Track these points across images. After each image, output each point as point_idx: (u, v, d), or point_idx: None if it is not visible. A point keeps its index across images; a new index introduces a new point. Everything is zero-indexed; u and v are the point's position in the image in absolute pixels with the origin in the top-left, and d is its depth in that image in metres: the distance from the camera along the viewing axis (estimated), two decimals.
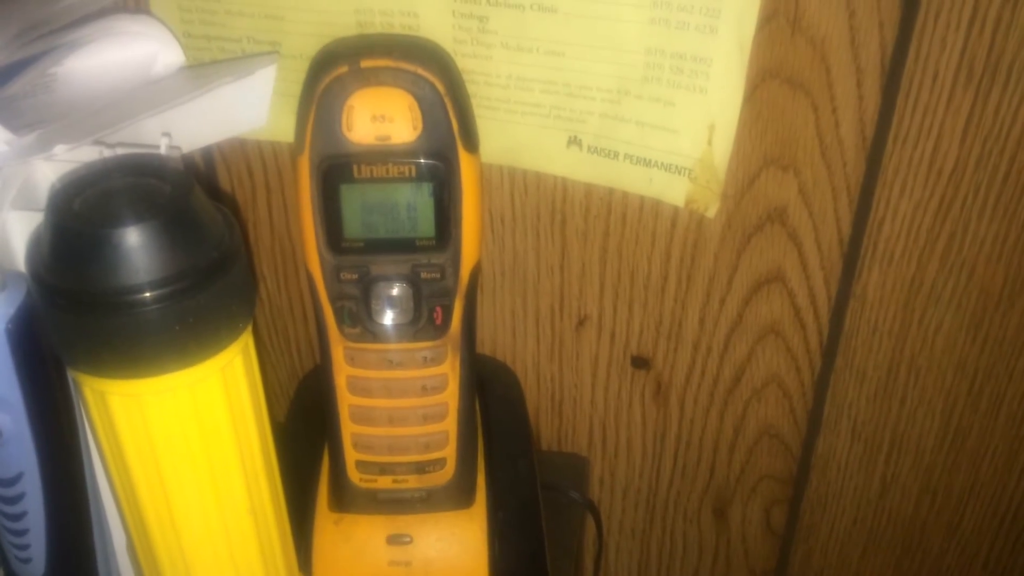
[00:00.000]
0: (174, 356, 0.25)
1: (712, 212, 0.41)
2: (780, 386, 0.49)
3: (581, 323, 0.49)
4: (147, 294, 0.24)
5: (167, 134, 0.32)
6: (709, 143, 0.38)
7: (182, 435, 0.26)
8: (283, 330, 0.51)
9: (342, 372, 0.39)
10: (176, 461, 0.27)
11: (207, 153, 0.45)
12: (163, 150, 0.33)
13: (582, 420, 0.52)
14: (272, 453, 0.30)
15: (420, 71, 0.34)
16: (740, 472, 0.53)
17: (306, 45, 0.40)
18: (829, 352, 0.47)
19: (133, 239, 0.24)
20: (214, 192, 0.47)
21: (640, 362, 0.49)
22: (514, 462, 0.44)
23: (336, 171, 0.35)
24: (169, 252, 0.24)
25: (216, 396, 0.26)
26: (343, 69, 0.34)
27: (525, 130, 0.41)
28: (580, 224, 0.45)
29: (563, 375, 0.51)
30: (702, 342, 0.48)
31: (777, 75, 0.39)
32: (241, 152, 0.45)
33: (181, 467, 0.27)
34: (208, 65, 0.38)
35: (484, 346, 0.50)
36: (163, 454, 0.26)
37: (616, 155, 0.40)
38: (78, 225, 0.24)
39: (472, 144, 0.36)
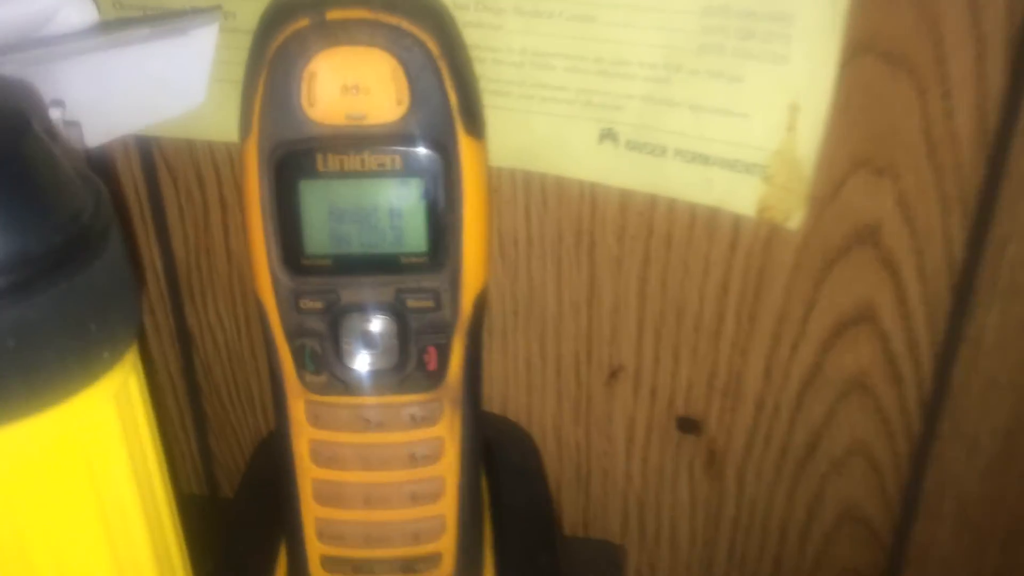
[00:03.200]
0: None
1: (795, 222, 0.32)
2: (867, 456, 0.39)
3: (614, 375, 0.39)
4: None
5: (59, 103, 0.23)
6: (791, 129, 0.29)
7: (17, 524, 0.17)
8: (244, 384, 0.42)
9: (303, 435, 0.30)
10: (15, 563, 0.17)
11: (146, 158, 0.37)
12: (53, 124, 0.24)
13: (615, 498, 0.43)
14: (174, 550, 0.20)
15: (406, 25, 0.26)
16: (814, 565, 0.43)
17: None
18: (932, 413, 0.38)
19: None
20: (158, 211, 0.38)
21: (688, 425, 0.40)
22: (533, 557, 0.34)
23: (293, 162, 0.27)
24: None
25: (70, 469, 0.17)
26: (303, 22, 0.26)
27: (545, 122, 0.32)
28: (613, 248, 0.36)
29: (591, 441, 0.42)
30: (768, 400, 0.39)
31: (871, 48, 0.31)
32: (189, 157, 0.37)
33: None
34: (129, 22, 0.30)
35: (493, 403, 0.41)
36: None
37: (663, 151, 0.31)
38: None
39: (476, 126, 0.28)
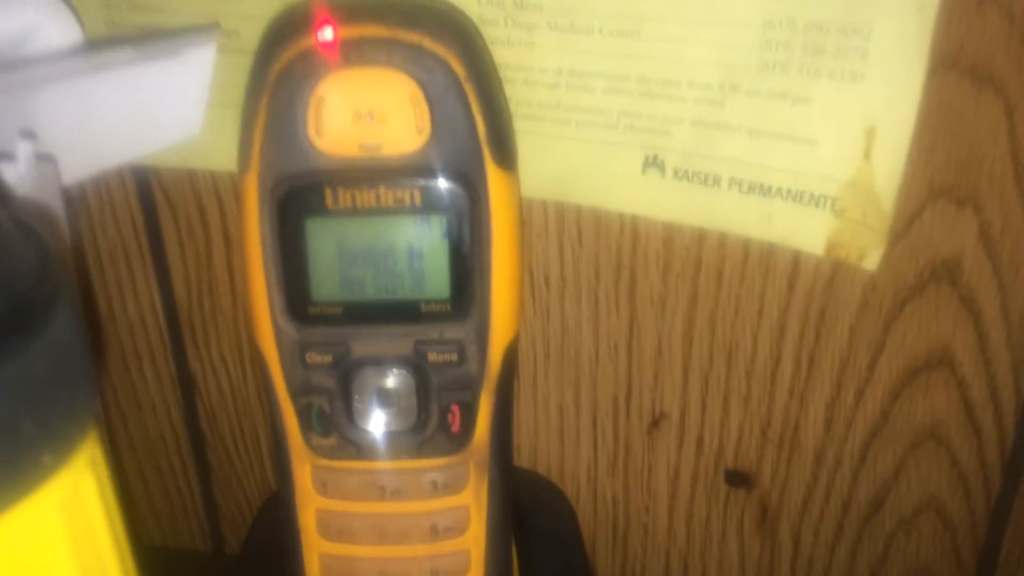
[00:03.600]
0: None
1: (871, 262, 0.28)
2: (940, 514, 0.35)
3: (656, 424, 0.36)
4: None
5: (30, 135, 0.20)
6: (867, 156, 0.25)
7: None
8: (251, 432, 0.39)
9: (310, 504, 0.26)
10: None
11: (143, 189, 0.34)
12: (22, 160, 0.21)
13: (655, 557, 0.39)
14: None
15: (427, 44, 0.23)
16: None
17: None
18: (1014, 468, 0.34)
19: None
20: (156, 246, 0.35)
21: (738, 478, 0.36)
22: None
23: (299, 198, 0.24)
24: None
25: None
26: (311, 40, 0.23)
27: (582, 149, 0.29)
28: (657, 286, 0.33)
29: (630, 495, 0.38)
30: (828, 452, 0.35)
31: (954, 64, 0.27)
32: (190, 188, 0.33)
33: None
34: (117, 42, 0.26)
35: (521, 455, 0.38)
36: None
37: (717, 181, 0.28)
38: None
39: (506, 156, 0.24)
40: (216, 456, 0.39)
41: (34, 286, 0.13)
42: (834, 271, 0.31)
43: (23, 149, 0.21)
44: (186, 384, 0.38)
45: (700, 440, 0.36)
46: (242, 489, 0.40)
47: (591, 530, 0.39)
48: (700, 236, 0.31)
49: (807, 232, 0.27)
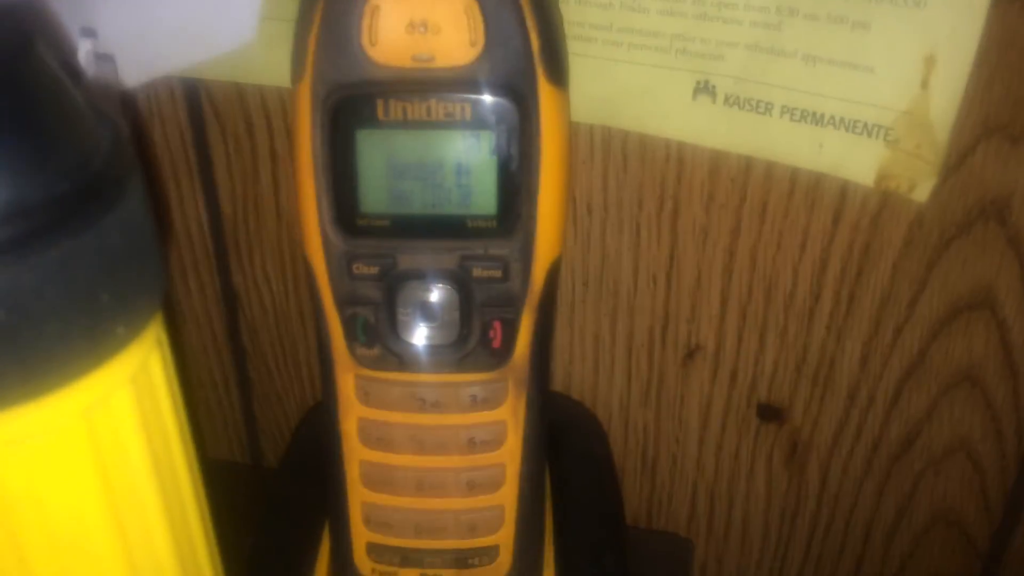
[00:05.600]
0: None
1: (922, 194, 0.28)
2: (970, 456, 0.35)
3: (691, 355, 0.36)
4: None
5: (91, 33, 0.20)
6: (924, 85, 0.25)
7: (13, 531, 0.14)
8: (291, 349, 0.39)
9: (352, 413, 0.27)
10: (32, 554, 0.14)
11: (193, 104, 0.34)
12: (82, 57, 0.21)
13: (683, 487, 0.39)
14: (203, 559, 0.17)
15: None
16: (899, 569, 0.39)
17: None
18: None
19: None
20: (205, 161, 0.35)
21: (770, 412, 0.36)
22: (598, 554, 0.30)
23: (351, 108, 0.24)
24: None
25: (76, 465, 0.14)
26: None
27: (632, 72, 0.29)
28: (699, 216, 0.33)
29: (660, 425, 0.38)
30: (862, 389, 0.35)
31: None
32: (238, 103, 0.34)
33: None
34: None
35: (556, 380, 0.38)
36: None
37: (769, 109, 0.27)
38: None
39: (559, 72, 0.24)
40: (256, 371, 0.40)
41: (108, 163, 0.14)
42: (881, 207, 0.31)
43: (83, 46, 0.21)
44: (229, 299, 0.38)
45: (734, 373, 0.36)
46: (281, 405, 0.41)
47: (620, 459, 0.39)
48: (746, 167, 0.31)
49: (857, 162, 0.27)
